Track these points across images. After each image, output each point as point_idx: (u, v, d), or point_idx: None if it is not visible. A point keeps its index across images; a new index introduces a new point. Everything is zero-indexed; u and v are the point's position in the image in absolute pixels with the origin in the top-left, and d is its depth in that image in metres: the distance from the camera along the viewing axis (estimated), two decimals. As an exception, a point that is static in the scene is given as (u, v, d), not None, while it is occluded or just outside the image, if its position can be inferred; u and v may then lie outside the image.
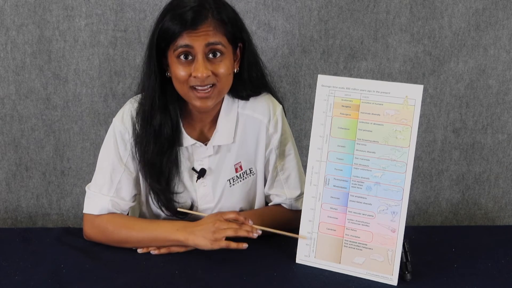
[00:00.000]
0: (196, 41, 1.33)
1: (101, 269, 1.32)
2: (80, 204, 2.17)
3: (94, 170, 2.16)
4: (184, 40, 1.33)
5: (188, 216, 1.51)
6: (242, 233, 1.35)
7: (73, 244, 1.44)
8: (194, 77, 1.35)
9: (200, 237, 1.35)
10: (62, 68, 2.09)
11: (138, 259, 1.37)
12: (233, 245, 1.34)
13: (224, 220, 1.37)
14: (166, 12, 1.36)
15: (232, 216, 1.38)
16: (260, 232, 1.36)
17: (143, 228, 1.41)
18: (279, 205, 1.55)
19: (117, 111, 2.19)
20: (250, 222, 1.38)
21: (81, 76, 2.10)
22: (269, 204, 1.58)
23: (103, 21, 2.06)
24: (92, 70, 2.10)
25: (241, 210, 1.57)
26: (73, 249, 1.41)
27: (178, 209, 1.47)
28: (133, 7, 2.05)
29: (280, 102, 1.56)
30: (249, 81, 1.48)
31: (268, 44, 2.11)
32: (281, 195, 1.54)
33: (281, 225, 1.49)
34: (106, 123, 2.17)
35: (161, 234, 1.38)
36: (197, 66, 1.34)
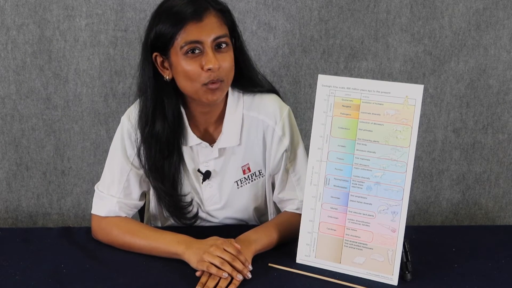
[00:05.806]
0: (203, 34, 1.32)
1: (101, 269, 1.32)
2: (80, 203, 2.17)
3: (94, 170, 2.18)
4: (190, 34, 1.32)
5: (195, 222, 1.50)
6: (227, 269, 1.25)
7: (73, 244, 1.44)
8: (208, 69, 1.32)
9: (192, 254, 1.31)
10: (62, 68, 2.10)
11: (138, 259, 1.37)
12: (213, 270, 1.25)
13: (223, 248, 1.29)
14: (162, 11, 1.35)
15: (232, 249, 1.29)
16: (249, 276, 1.27)
17: (147, 236, 1.39)
18: (293, 212, 1.49)
19: (117, 111, 2.20)
20: (250, 267, 1.29)
21: (82, 76, 2.10)
22: (282, 211, 1.54)
23: (104, 21, 2.06)
24: (92, 70, 2.10)
25: (254, 210, 1.55)
26: (73, 249, 1.41)
27: None
28: (133, 7, 2.05)
29: (283, 99, 1.53)
30: (250, 76, 1.46)
31: (268, 44, 2.11)
32: (294, 200, 1.49)
33: (297, 232, 1.41)
34: (106, 123, 2.17)
35: (162, 245, 1.36)
36: (209, 59, 1.32)
